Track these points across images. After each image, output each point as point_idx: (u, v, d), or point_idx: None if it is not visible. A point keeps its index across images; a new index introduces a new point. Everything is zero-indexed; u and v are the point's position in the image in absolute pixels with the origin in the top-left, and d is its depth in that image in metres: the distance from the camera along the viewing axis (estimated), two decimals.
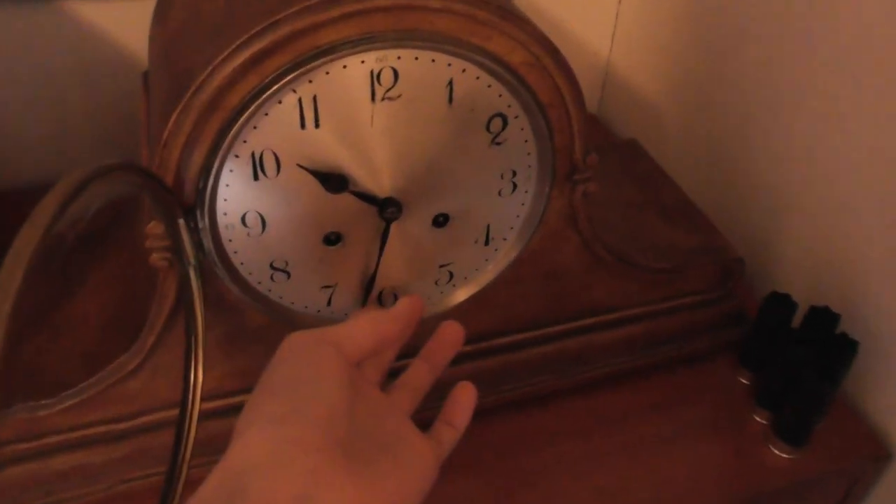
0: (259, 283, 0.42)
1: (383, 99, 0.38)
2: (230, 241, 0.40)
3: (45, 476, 0.42)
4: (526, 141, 0.42)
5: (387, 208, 0.41)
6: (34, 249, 0.24)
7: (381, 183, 0.41)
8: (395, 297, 0.45)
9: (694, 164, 0.69)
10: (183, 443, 0.37)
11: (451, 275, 0.46)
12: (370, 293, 0.44)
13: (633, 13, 0.77)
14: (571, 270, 0.49)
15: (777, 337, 0.52)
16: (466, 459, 0.36)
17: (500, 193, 0.44)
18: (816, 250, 0.57)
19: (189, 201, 0.37)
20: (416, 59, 0.37)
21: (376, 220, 0.42)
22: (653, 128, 0.75)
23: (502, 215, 0.45)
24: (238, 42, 0.34)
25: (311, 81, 0.36)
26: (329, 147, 0.38)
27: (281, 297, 0.43)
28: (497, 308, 0.49)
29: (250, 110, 0.35)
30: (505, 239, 0.46)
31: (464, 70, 0.38)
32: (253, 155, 0.37)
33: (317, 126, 0.37)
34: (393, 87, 0.37)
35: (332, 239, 0.42)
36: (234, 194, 0.38)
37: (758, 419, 0.51)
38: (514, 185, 0.44)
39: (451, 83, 0.38)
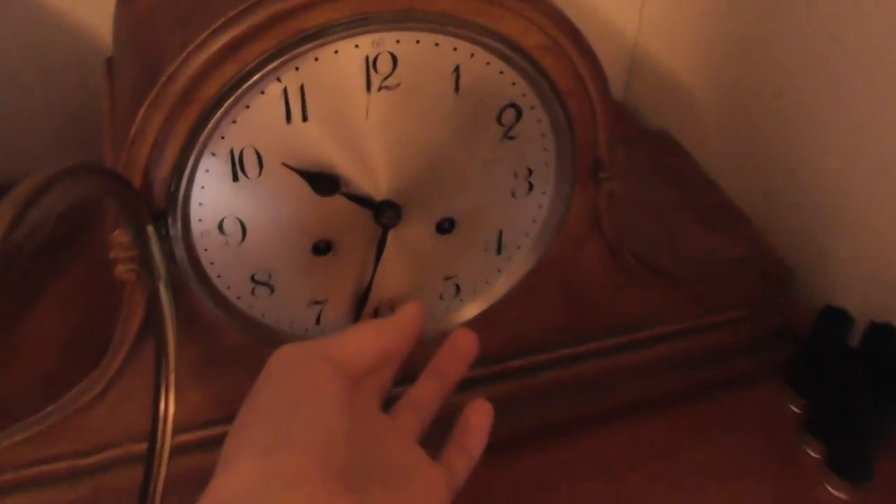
0: (238, 298, 0.42)
1: (380, 88, 0.38)
2: (206, 250, 0.40)
3: None
4: (543, 135, 0.42)
5: (384, 213, 0.41)
6: None
7: (378, 184, 0.41)
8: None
9: (735, 158, 0.69)
10: (153, 481, 0.37)
11: (458, 288, 0.47)
12: (363, 309, 0.44)
13: None
14: (595, 282, 0.49)
15: (831, 357, 0.52)
16: (475, 501, 0.36)
17: (513, 195, 0.44)
18: (877, 259, 0.57)
19: (159, 206, 0.38)
20: (418, 42, 0.38)
21: (372, 226, 0.42)
22: (687, 117, 0.75)
23: (516, 220, 0.45)
24: (215, 25, 0.35)
25: (297, 69, 0.36)
26: (318, 143, 0.39)
27: (263, 315, 0.43)
28: (510, 326, 0.49)
29: (229, 102, 0.36)
30: (519, 247, 0.46)
31: (472, 55, 0.39)
32: (232, 153, 0.38)
33: (304, 120, 0.38)
34: (391, 74, 0.38)
35: (322, 248, 0.42)
36: (211, 198, 0.38)
37: (810, 452, 0.51)
38: (530, 186, 0.44)
39: (457, 70, 0.39)
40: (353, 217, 0.41)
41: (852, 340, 0.52)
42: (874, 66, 0.55)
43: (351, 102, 0.38)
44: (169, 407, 0.38)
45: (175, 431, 0.38)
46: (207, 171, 0.38)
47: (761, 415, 0.54)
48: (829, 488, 0.50)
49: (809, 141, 0.61)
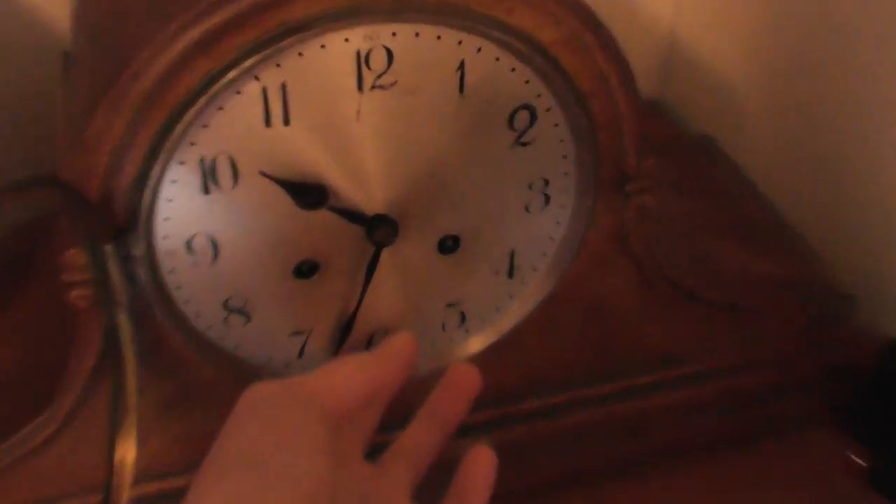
0: (210, 327, 0.43)
1: (373, 87, 0.39)
2: (172, 272, 0.40)
3: None
4: (561, 140, 0.43)
5: (377, 229, 0.42)
6: None
7: (371, 196, 0.41)
8: None
9: (788, 169, 0.69)
10: None
11: (464, 317, 0.47)
12: (345, 341, 0.45)
13: None
14: (622, 311, 0.49)
15: None
16: None
17: (527, 209, 0.44)
18: None
19: (119, 222, 0.38)
20: (417, 35, 0.38)
21: (364, 244, 0.42)
22: (732, 119, 0.75)
23: (531, 238, 0.45)
24: (186, 17, 0.35)
25: (279, 66, 0.37)
26: (302, 150, 0.39)
27: (238, 347, 0.44)
28: (524, 361, 0.49)
29: (200, 104, 0.36)
30: (534, 269, 0.47)
31: (479, 49, 0.39)
32: (203, 161, 0.38)
33: (286, 123, 0.38)
34: (386, 72, 0.38)
35: (306, 270, 0.42)
36: (179, 212, 0.39)
37: None
38: (546, 198, 0.44)
39: (462, 67, 0.39)
40: (341, 234, 0.42)
41: None
42: None
43: (340, 104, 0.39)
44: (127, 453, 0.39)
45: (134, 481, 0.39)
46: (175, 181, 0.38)
47: (815, 467, 0.53)
48: None
49: (877, 150, 0.61)
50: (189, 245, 0.40)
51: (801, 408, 0.55)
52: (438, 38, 0.38)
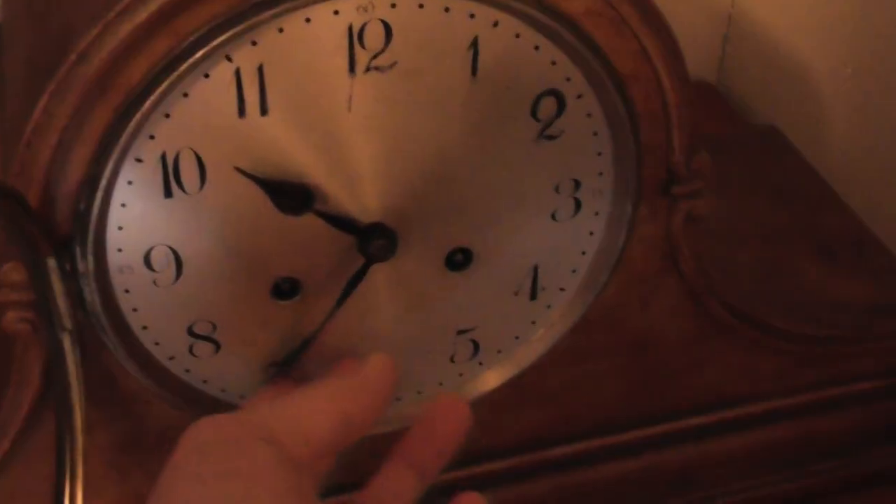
0: (171, 358, 0.42)
1: (368, 69, 0.38)
2: (127, 292, 0.40)
3: None
4: (595, 133, 0.43)
5: (371, 240, 0.41)
6: None
7: (364, 201, 0.41)
8: None
9: (869, 166, 0.69)
10: None
11: (477, 346, 0.47)
12: (292, 362, 0.44)
13: None
14: (670, 340, 0.49)
15: None
16: None
17: (554, 216, 0.44)
18: None
19: (63, 231, 0.38)
20: (421, 6, 0.38)
21: (355, 259, 0.42)
22: (803, 109, 0.75)
23: (558, 251, 0.45)
24: None
25: (255, 44, 0.37)
26: (282, 145, 0.39)
27: (205, 382, 0.43)
28: (549, 400, 0.49)
29: (160, 90, 0.36)
30: (562, 289, 0.46)
31: (495, 23, 0.39)
32: (164, 158, 0.38)
33: (263, 113, 0.38)
34: (383, 51, 0.38)
35: (286, 289, 0.42)
36: (135, 220, 0.39)
37: None
38: (577, 204, 0.44)
39: (475, 44, 0.39)
40: (328, 246, 0.42)
41: None
42: None
43: (328, 89, 0.38)
44: None
45: None
46: (130, 182, 0.38)
47: None
48: None
49: None
50: (147, 259, 0.40)
51: (891, 459, 0.55)
52: (446, 9, 0.38)
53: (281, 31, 0.37)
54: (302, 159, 0.40)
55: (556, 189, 0.43)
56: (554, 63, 0.40)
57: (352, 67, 0.38)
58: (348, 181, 0.41)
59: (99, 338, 0.40)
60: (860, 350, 0.53)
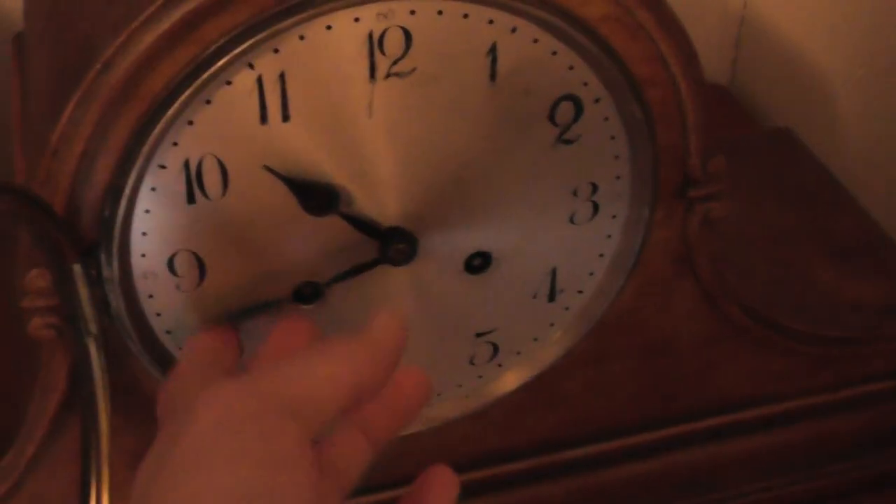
0: None
1: (388, 76, 0.39)
2: (151, 297, 0.41)
3: None
4: (612, 137, 0.43)
5: (392, 244, 0.42)
6: None
7: (384, 205, 0.42)
8: None
9: (884, 167, 0.69)
10: None
11: (496, 349, 0.47)
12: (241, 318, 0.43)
13: None
14: (686, 342, 0.49)
15: None
16: None
17: (571, 220, 0.45)
18: None
19: (89, 237, 0.39)
20: (440, 13, 0.38)
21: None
22: (816, 111, 0.75)
23: (576, 254, 0.46)
24: None
25: (277, 51, 0.37)
26: (303, 151, 0.40)
27: None
28: (568, 402, 0.49)
29: (183, 97, 0.37)
30: (580, 291, 0.47)
31: (514, 29, 0.39)
32: (187, 165, 0.38)
33: (285, 119, 0.39)
34: (403, 57, 0.39)
35: (308, 294, 0.43)
36: (159, 226, 0.39)
37: None
38: (595, 207, 0.45)
39: (493, 50, 0.40)
40: (350, 250, 0.42)
41: None
42: None
43: (348, 95, 0.39)
44: None
45: None
46: (154, 189, 0.39)
47: None
48: None
49: None
50: (170, 264, 0.40)
51: None
52: (465, 16, 0.39)
53: (302, 38, 0.37)
54: (323, 164, 0.40)
55: (574, 192, 0.44)
56: (571, 68, 0.41)
57: (372, 74, 0.39)
58: (369, 186, 0.41)
59: (123, 342, 0.41)
60: (873, 351, 0.53)
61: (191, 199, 0.39)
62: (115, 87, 0.36)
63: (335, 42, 0.38)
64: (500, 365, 0.47)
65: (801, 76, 0.77)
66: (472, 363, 0.47)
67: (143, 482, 0.31)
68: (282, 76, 0.38)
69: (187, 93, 0.37)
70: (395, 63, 0.39)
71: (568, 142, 0.43)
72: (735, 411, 0.52)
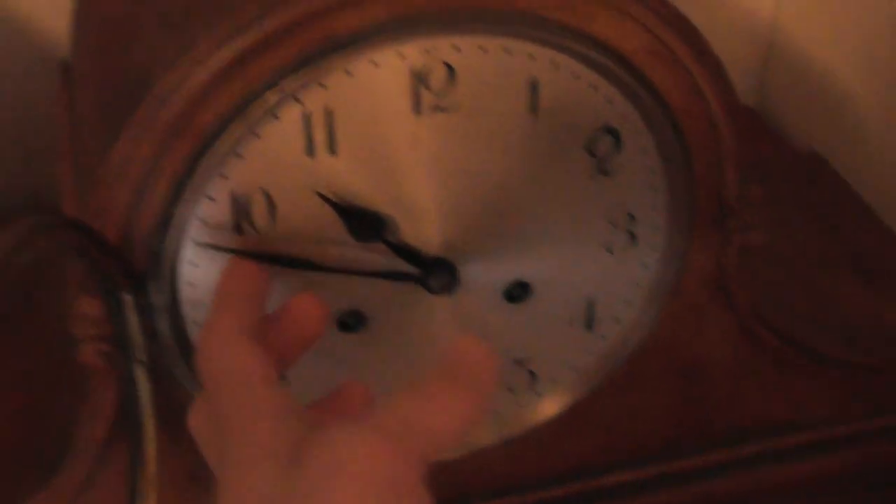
0: None
1: (432, 110, 0.40)
2: (198, 325, 0.41)
3: None
4: (649, 168, 0.44)
5: (434, 274, 0.43)
6: None
7: (426, 235, 0.43)
8: None
9: None
10: None
11: (533, 376, 0.48)
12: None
13: None
14: (722, 369, 0.50)
15: None
16: None
17: (609, 250, 0.45)
18: None
19: (139, 268, 0.39)
20: (483, 49, 0.39)
21: (417, 293, 0.43)
22: (845, 134, 0.74)
23: (613, 284, 0.46)
24: (222, 32, 0.37)
25: (324, 86, 0.38)
26: (349, 183, 0.40)
27: None
28: (604, 428, 0.50)
29: (233, 132, 0.38)
30: (617, 321, 0.47)
31: (554, 63, 0.40)
32: (235, 197, 0.39)
33: (332, 152, 0.40)
34: (447, 91, 0.40)
35: (351, 323, 0.44)
36: (208, 257, 0.40)
37: None
38: (632, 237, 0.45)
39: (534, 84, 0.40)
40: (391, 281, 0.43)
41: None
42: None
43: (393, 129, 0.40)
44: None
45: None
46: (203, 220, 0.39)
47: None
48: None
49: None
50: None
51: None
52: (507, 51, 0.40)
53: (349, 73, 0.38)
54: (368, 195, 0.41)
55: (612, 223, 0.45)
56: (610, 101, 0.42)
57: (416, 108, 0.40)
58: (411, 216, 0.42)
59: (170, 369, 0.42)
60: None
61: (238, 230, 0.40)
62: (168, 121, 0.37)
63: (381, 77, 0.39)
64: (537, 393, 0.48)
65: (828, 99, 0.76)
66: (511, 391, 0.48)
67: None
68: (328, 110, 0.39)
69: (236, 127, 0.38)
70: (438, 97, 0.40)
71: (606, 173, 0.43)
72: (771, 437, 0.52)
